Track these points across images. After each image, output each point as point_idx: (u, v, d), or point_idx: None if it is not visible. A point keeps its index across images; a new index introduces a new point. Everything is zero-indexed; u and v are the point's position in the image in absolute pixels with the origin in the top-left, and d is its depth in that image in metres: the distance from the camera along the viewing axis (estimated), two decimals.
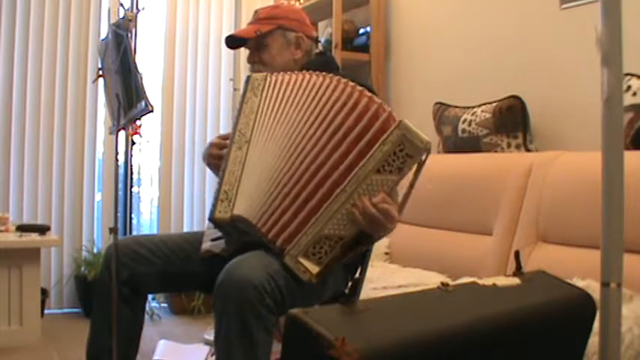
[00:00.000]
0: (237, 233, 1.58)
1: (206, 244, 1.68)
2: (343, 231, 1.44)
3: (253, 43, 1.82)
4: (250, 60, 1.84)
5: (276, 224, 1.49)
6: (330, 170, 1.47)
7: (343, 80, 1.54)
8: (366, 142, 1.45)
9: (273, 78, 1.62)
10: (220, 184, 1.54)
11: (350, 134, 1.47)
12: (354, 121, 1.48)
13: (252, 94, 1.61)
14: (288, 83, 1.59)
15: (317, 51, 1.90)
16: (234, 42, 1.86)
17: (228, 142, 1.59)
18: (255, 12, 1.86)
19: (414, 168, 1.45)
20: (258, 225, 1.50)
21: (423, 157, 1.43)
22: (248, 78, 1.64)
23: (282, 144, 1.53)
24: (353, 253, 1.49)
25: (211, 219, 1.54)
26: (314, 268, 1.44)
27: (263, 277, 1.38)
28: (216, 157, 1.64)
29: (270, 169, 1.52)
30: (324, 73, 1.58)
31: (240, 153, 1.55)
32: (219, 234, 1.65)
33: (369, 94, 1.51)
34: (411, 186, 1.46)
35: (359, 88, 1.52)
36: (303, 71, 1.62)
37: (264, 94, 1.60)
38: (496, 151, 2.56)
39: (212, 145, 1.66)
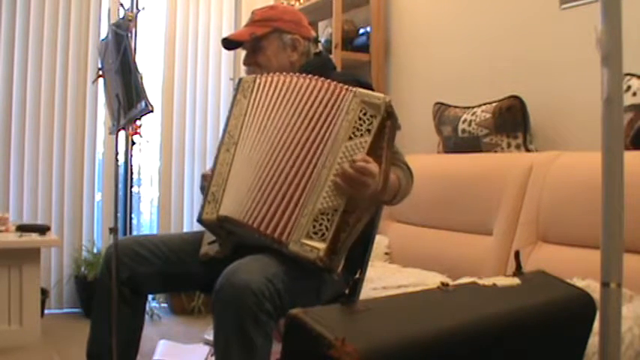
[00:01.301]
0: (224, 234, 1.60)
1: (204, 248, 1.69)
2: (335, 201, 1.47)
3: (249, 45, 1.82)
4: (246, 62, 1.84)
5: (272, 220, 1.50)
6: (311, 157, 1.51)
7: (321, 79, 1.58)
8: (332, 119, 1.52)
9: (262, 80, 1.64)
10: (209, 185, 1.56)
11: (325, 123, 1.53)
12: (329, 110, 1.53)
13: (242, 96, 1.64)
14: (275, 85, 1.61)
15: (315, 51, 1.90)
16: (230, 44, 1.86)
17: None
18: (252, 13, 1.86)
19: (388, 128, 1.49)
20: (250, 222, 1.51)
21: (387, 114, 1.49)
22: (240, 80, 1.67)
23: (268, 144, 1.55)
24: (356, 222, 1.49)
25: (199, 220, 1.57)
26: (320, 245, 1.45)
27: (262, 282, 1.38)
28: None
29: (257, 169, 1.54)
30: (310, 75, 1.60)
31: (228, 155, 1.59)
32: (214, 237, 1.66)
33: (343, 85, 1.55)
34: (389, 146, 1.51)
35: (337, 84, 1.56)
36: (291, 74, 1.64)
37: (252, 96, 1.63)
38: (496, 151, 2.56)
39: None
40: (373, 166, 1.45)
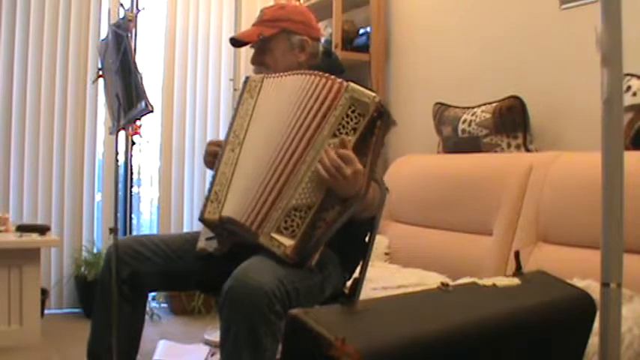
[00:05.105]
0: (226, 233, 1.60)
1: (201, 243, 1.69)
2: (310, 199, 1.45)
3: (257, 44, 1.81)
4: (254, 61, 1.83)
5: (252, 212, 1.50)
6: (295, 151, 1.49)
7: (323, 75, 1.55)
8: (322, 114, 1.48)
9: (270, 80, 1.63)
10: (212, 184, 1.57)
11: (315, 119, 1.50)
12: (321, 105, 1.50)
13: (248, 96, 1.64)
14: (281, 85, 1.61)
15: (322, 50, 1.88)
16: (237, 42, 1.85)
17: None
18: (261, 11, 1.84)
19: (378, 129, 1.45)
20: (248, 223, 1.51)
21: (376, 113, 1.43)
22: (246, 79, 1.66)
23: (273, 146, 1.54)
24: (333, 221, 1.45)
25: (201, 219, 1.58)
26: (288, 242, 1.45)
27: (273, 284, 1.37)
28: (211, 154, 1.67)
29: (260, 171, 1.53)
30: (314, 71, 1.58)
31: (232, 154, 1.58)
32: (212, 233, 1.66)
33: (340, 80, 1.51)
34: (376, 149, 1.45)
35: (335, 79, 1.52)
36: (296, 71, 1.62)
37: (259, 96, 1.62)
38: (496, 151, 2.56)
39: (209, 143, 1.69)
40: (353, 156, 1.41)
